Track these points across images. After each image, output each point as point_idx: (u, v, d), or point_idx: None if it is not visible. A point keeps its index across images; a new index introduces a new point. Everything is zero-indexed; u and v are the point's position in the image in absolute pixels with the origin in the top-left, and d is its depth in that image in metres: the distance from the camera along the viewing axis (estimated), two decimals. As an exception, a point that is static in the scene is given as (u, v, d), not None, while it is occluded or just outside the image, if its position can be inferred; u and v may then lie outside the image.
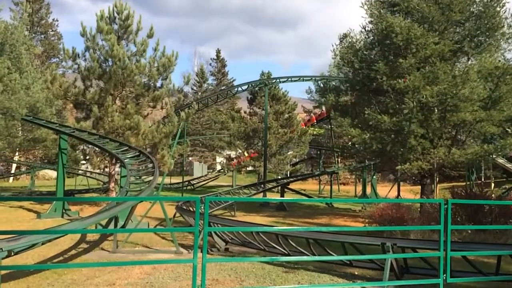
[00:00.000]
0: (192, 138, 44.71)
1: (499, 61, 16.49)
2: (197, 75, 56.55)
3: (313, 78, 35.29)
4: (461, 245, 8.85)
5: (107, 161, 20.73)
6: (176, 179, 38.93)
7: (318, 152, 44.62)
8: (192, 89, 54.81)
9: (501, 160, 22.95)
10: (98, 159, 20.44)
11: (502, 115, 16.00)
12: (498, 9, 16.16)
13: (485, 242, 10.64)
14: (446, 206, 4.64)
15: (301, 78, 33.12)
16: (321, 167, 40.55)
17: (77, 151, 21.33)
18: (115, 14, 20.62)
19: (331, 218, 19.38)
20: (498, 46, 16.77)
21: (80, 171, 34.61)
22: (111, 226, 11.12)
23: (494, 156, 17.63)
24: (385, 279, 7.23)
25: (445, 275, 4.58)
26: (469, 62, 16.90)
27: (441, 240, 4.59)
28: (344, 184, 44.81)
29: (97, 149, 19.16)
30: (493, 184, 28.32)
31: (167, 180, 35.29)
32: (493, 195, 19.35)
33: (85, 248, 10.97)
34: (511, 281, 7.26)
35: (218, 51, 60.49)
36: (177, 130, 21.38)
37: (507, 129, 17.51)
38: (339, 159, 43.55)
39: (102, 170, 27.42)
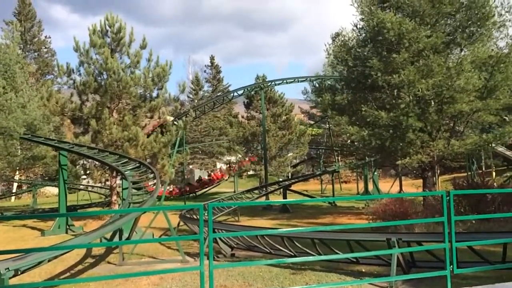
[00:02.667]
0: (191, 146, 44.69)
1: (492, 50, 16.54)
2: (192, 83, 56.60)
3: (308, 79, 35.32)
4: (466, 235, 8.86)
5: (107, 174, 20.72)
6: (177, 188, 38.87)
7: (318, 152, 44.64)
8: (188, 97, 54.82)
9: (500, 149, 23.00)
10: (98, 173, 20.43)
11: (499, 103, 16.04)
12: (487, -2, 16.21)
13: (490, 231, 10.65)
14: (448, 198, 4.66)
15: (296, 79, 33.15)
16: (322, 167, 40.55)
17: (77, 166, 21.32)
18: (107, 27, 20.66)
19: (335, 217, 19.37)
20: (490, 35, 16.80)
21: (81, 186, 34.59)
22: (116, 238, 11.12)
23: (493, 145, 17.68)
24: (393, 274, 7.24)
25: (451, 266, 4.59)
26: (462, 53, 16.94)
27: (445, 232, 4.60)
28: (346, 182, 44.80)
29: (97, 163, 19.15)
30: (494, 173, 28.34)
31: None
32: (495, 184, 19.38)
33: (91, 262, 10.97)
34: (518, 269, 7.26)
35: (212, 58, 60.60)
36: (175, 139, 21.38)
37: (504, 117, 17.56)
38: (339, 158, 43.54)
39: (103, 184, 27.42)
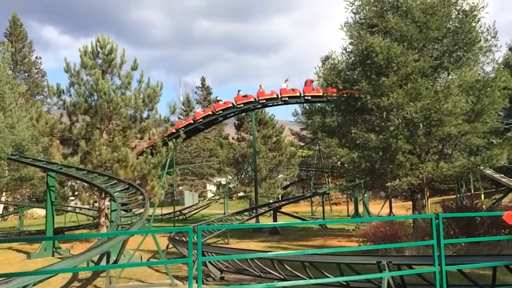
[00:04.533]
0: (182, 167, 44.53)
1: (479, 74, 16.84)
2: (183, 104, 56.82)
3: (299, 101, 35.56)
4: (456, 258, 8.86)
5: (96, 196, 20.49)
6: (167, 210, 38.58)
7: (308, 174, 44.65)
8: (179, 118, 54.87)
9: (488, 171, 23.17)
10: (87, 194, 20.20)
11: (486, 126, 16.27)
12: (473, 24, 16.57)
13: (480, 254, 10.67)
14: (437, 221, 4.67)
15: (287, 101, 33.33)
16: (312, 189, 40.51)
17: (65, 188, 21.10)
18: (98, 49, 20.74)
19: (325, 239, 19.28)
20: (477, 60, 17.15)
21: (69, 208, 34.12)
22: (103, 262, 10.93)
23: (481, 167, 17.82)
24: (383, 298, 7.17)
25: (442, 290, 4.59)
26: (450, 77, 17.22)
27: (435, 255, 4.60)
28: (336, 204, 44.73)
29: (85, 184, 18.96)
30: (483, 195, 28.51)
31: (158, 211, 34.94)
32: (483, 207, 19.48)
33: (77, 286, 10.75)
34: (508, 292, 7.25)
35: (203, 79, 61.03)
36: (165, 160, 21.29)
37: (492, 140, 17.77)
38: (329, 180, 43.59)
39: (91, 206, 27.08)
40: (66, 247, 17.84)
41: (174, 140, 21.86)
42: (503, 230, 13.21)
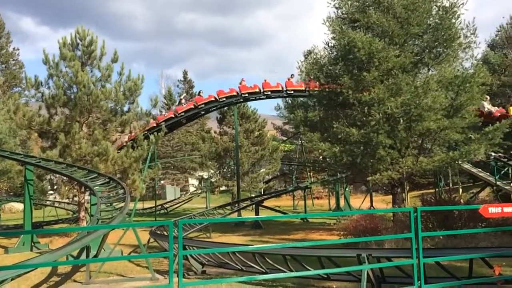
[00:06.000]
0: (163, 161, 44.21)
1: (458, 70, 17.09)
2: (165, 98, 56.26)
3: (281, 95, 35.61)
4: (434, 251, 9.02)
5: (76, 190, 20.22)
6: (148, 204, 38.28)
7: (291, 168, 44.81)
8: (161, 111, 54.32)
9: (466, 166, 23.55)
10: (66, 188, 19.91)
11: (464, 122, 16.53)
12: (453, 20, 16.80)
13: (457, 247, 10.88)
14: (415, 214, 4.74)
15: (269, 96, 33.35)
16: (294, 183, 40.70)
17: (44, 181, 20.75)
18: (78, 40, 20.38)
19: (307, 233, 19.42)
20: (456, 56, 17.39)
21: (48, 202, 33.58)
22: (83, 256, 10.81)
23: (459, 162, 18.12)
24: (363, 290, 7.26)
25: (419, 282, 4.66)
26: (430, 73, 17.45)
27: (413, 247, 4.68)
28: (318, 198, 45.03)
29: (65, 178, 18.68)
30: (461, 190, 29.04)
31: (139, 205, 34.69)
32: (461, 200, 19.86)
33: (56, 281, 10.60)
34: (484, 284, 7.42)
35: (185, 72, 60.58)
36: (147, 154, 21.10)
37: (470, 135, 18.07)
38: (311, 174, 43.82)
39: (71, 200, 26.70)
40: (45, 241, 17.57)
41: (155, 133, 21.67)
42: (480, 224, 13.49)
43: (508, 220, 12.55)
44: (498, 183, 22.72)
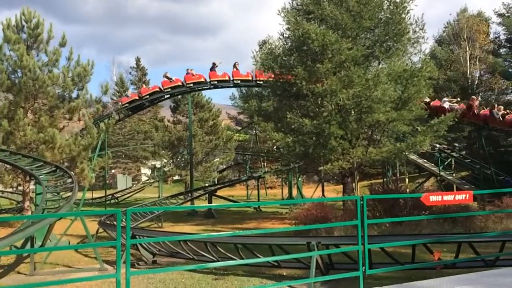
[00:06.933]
0: (114, 150, 43.12)
1: (407, 64, 17.67)
2: (116, 85, 54.62)
3: (236, 84, 35.50)
4: (379, 238, 9.36)
5: (20, 179, 19.35)
6: (98, 194, 37.30)
7: (245, 158, 44.96)
8: (112, 99, 52.82)
9: (413, 157, 24.53)
10: (10, 177, 19.00)
11: (412, 114, 17.17)
12: (403, 15, 17.31)
13: (402, 234, 11.34)
14: (362, 202, 4.90)
15: (216, 85, 33.14)
16: (248, 172, 40.89)
17: (-15, 170, 19.67)
18: (23, 23, 19.38)
19: (259, 222, 19.61)
20: (405, 50, 17.96)
21: (-10, 191, 31.93)
22: (28, 247, 10.39)
23: (406, 153, 18.82)
24: (312, 276, 7.44)
25: (364, 267, 4.83)
26: (380, 66, 17.94)
27: (359, 234, 4.84)
28: (271, 188, 45.46)
29: (8, 166, 17.82)
30: (407, 180, 30.24)
31: (88, 195, 33.75)
32: (407, 190, 20.67)
33: (-2, 273, 10.16)
34: (425, 268, 7.79)
35: (137, 59, 58.98)
36: (97, 142, 20.46)
37: (416, 127, 18.79)
38: (265, 164, 44.18)
39: (15, 189, 25.52)
40: (-14, 232, 16.75)
41: (105, 121, 21.04)
42: (423, 212, 14.13)
43: (449, 208, 13.23)
44: (441, 173, 23.87)
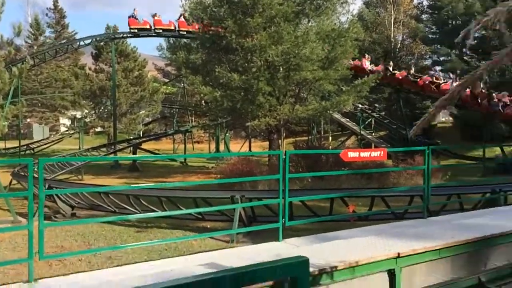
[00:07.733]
0: (29, 97, 40.24)
1: (335, 24, 17.94)
2: (31, 27, 50.13)
3: (163, 34, 34.13)
4: (300, 192, 9.73)
5: None
6: (12, 144, 34.92)
7: (172, 111, 44.05)
8: (26, 42, 48.67)
9: (337, 116, 25.44)
10: None
11: (337, 74, 17.63)
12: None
13: (322, 188, 11.86)
14: (284, 157, 5.00)
15: (151, 34, 31.75)
16: (175, 126, 40.25)
17: None
18: None
19: (185, 176, 19.56)
20: (334, 9, 18.17)
21: None
22: None
23: (331, 111, 19.44)
24: (234, 227, 7.61)
25: (284, 219, 5.00)
26: (310, 24, 18.06)
27: (280, 188, 4.97)
28: (198, 142, 45.27)
29: None
30: (330, 137, 31.48)
31: (1, 145, 31.59)
32: (330, 147, 21.56)
33: None
34: (341, 220, 8.25)
35: (55, 1, 54.44)
36: (9, 88, 18.88)
37: (341, 87, 19.38)
38: (193, 118, 43.67)
39: None
40: None
41: (19, 65, 19.39)
42: (343, 168, 14.82)
43: (367, 165, 14.00)
44: (362, 132, 25.07)
